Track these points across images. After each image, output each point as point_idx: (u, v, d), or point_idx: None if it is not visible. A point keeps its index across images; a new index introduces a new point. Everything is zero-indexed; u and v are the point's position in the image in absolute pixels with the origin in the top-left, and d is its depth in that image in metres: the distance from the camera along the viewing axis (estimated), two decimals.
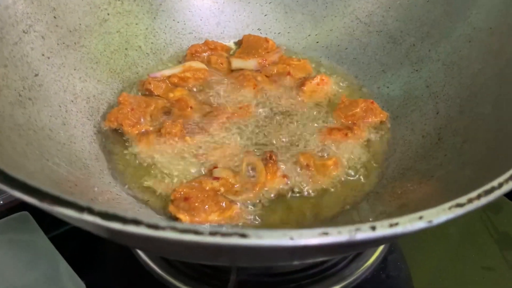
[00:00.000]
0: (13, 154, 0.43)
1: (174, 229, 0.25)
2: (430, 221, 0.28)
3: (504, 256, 0.60)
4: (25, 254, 0.55)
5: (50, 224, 0.58)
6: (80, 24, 0.63)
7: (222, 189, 0.50)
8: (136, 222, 0.26)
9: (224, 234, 0.25)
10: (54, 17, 0.60)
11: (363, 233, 0.27)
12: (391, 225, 0.27)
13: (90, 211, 0.26)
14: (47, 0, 0.59)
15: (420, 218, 0.28)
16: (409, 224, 0.28)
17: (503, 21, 0.54)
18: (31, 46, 0.56)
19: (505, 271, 0.58)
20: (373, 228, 0.27)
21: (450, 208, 0.29)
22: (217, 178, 0.51)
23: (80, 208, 0.26)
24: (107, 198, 0.48)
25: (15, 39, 0.54)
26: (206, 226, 0.26)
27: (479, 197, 0.30)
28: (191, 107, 0.61)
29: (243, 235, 0.25)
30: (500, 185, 0.31)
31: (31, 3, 0.57)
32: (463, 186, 0.42)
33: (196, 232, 0.25)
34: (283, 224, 0.49)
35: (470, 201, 0.29)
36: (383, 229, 0.27)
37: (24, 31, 0.55)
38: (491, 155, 0.43)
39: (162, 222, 0.26)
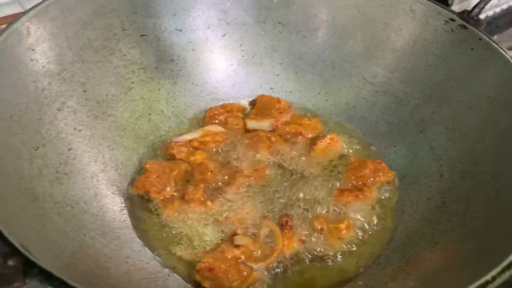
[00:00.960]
0: (56, 237, 0.48)
1: None
2: None
3: None
4: None
5: None
6: (107, 94, 0.68)
7: (242, 257, 0.55)
8: None
9: None
10: (84, 91, 0.65)
11: None
12: None
13: None
14: (77, 76, 0.64)
15: None
16: None
17: (500, 92, 0.58)
18: (65, 122, 0.61)
19: None
20: None
21: None
22: (238, 246, 0.55)
23: None
24: (138, 268, 0.53)
25: (51, 118, 0.59)
26: None
27: None
28: (211, 171, 0.66)
29: None
30: (494, 279, 0.35)
31: (64, 81, 0.62)
32: (464, 259, 0.46)
33: None
34: None
35: None
36: None
37: (58, 109, 0.61)
38: (489, 231, 0.47)
39: None
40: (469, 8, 0.63)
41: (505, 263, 0.36)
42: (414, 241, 0.56)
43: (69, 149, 0.60)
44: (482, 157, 0.57)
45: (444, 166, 0.61)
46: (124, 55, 0.71)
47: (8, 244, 0.34)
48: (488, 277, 0.35)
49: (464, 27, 0.64)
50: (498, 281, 0.35)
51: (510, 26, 1.14)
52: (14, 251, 0.34)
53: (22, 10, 0.76)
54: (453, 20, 0.65)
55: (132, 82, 0.72)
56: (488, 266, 0.37)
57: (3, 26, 0.73)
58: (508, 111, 0.56)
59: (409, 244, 0.56)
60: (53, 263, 0.37)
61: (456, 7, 0.94)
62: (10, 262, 0.33)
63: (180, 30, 0.76)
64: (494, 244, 0.43)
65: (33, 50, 0.58)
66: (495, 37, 0.62)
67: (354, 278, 0.55)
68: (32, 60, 0.58)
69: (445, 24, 0.66)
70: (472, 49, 0.63)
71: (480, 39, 0.62)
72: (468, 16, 0.64)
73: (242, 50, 0.80)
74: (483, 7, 0.62)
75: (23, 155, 0.52)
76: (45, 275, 0.33)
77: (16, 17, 0.57)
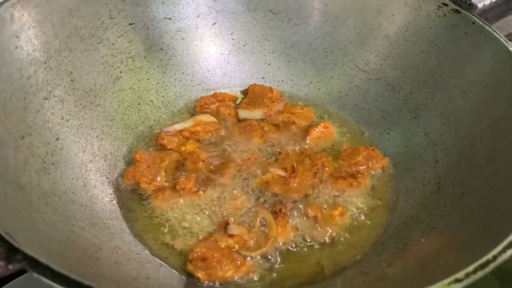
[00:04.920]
0: (43, 226, 0.46)
1: None
2: None
3: None
4: None
5: None
6: (95, 84, 0.67)
7: (236, 246, 0.53)
8: None
9: None
10: (71, 80, 0.63)
11: None
12: None
13: None
14: (64, 65, 0.63)
15: None
16: None
17: (495, 76, 0.57)
18: (52, 111, 0.59)
19: None
20: None
21: (449, 284, 0.32)
22: (231, 236, 0.54)
23: None
24: (129, 259, 0.52)
25: (37, 107, 0.58)
26: None
27: (475, 271, 0.33)
28: (203, 161, 0.64)
29: None
30: (495, 258, 0.34)
31: (51, 69, 0.61)
32: (464, 242, 0.45)
33: None
34: (296, 277, 0.52)
35: (467, 275, 0.33)
36: None
37: (44, 98, 0.59)
38: (488, 213, 0.46)
39: None
40: None
41: (505, 242, 0.35)
42: (410, 227, 0.55)
43: (57, 139, 0.59)
44: (477, 141, 0.56)
45: (439, 152, 0.61)
46: (112, 44, 0.69)
47: None
48: (489, 256, 0.34)
49: (457, 11, 0.63)
50: (499, 260, 0.34)
51: (500, 18, 1.14)
52: None
53: None
54: (445, 4, 0.64)
55: (121, 72, 0.70)
56: (488, 247, 0.36)
57: None
58: (503, 94, 0.55)
59: (405, 230, 0.55)
60: (39, 251, 0.36)
61: None
62: None
63: (169, 19, 0.74)
64: (494, 225, 0.42)
65: (17, 37, 0.56)
66: None
67: (350, 265, 0.54)
68: (16, 47, 0.56)
69: (438, 9, 0.65)
70: (465, 33, 0.62)
71: (473, 23, 0.61)
72: (461, 1, 0.63)
73: (233, 39, 0.78)
74: None
75: (8, 144, 0.51)
76: (30, 261, 0.32)
77: None
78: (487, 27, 0.59)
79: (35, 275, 0.32)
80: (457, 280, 0.32)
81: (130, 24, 0.71)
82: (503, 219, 0.42)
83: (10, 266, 0.31)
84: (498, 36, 0.58)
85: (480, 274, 0.33)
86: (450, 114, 0.62)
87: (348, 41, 0.75)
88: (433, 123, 0.64)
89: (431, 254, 0.47)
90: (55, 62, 0.61)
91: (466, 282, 0.32)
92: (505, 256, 0.34)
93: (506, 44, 0.57)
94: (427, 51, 0.67)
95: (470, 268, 0.33)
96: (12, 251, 0.32)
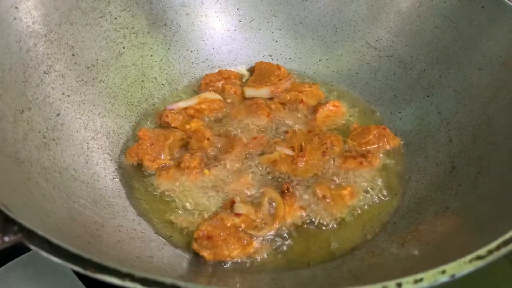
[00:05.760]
0: (43, 202, 0.44)
1: None
2: (453, 275, 0.29)
3: None
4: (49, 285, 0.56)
5: None
6: (97, 59, 0.65)
7: (243, 225, 0.52)
8: (175, 287, 0.27)
9: None
10: (73, 55, 0.61)
11: None
12: (416, 281, 0.29)
13: (131, 277, 0.27)
14: (65, 38, 0.61)
15: (443, 272, 0.29)
16: (433, 279, 0.29)
17: None
18: (52, 86, 0.58)
19: None
20: (399, 285, 0.28)
21: (471, 261, 0.30)
22: (238, 214, 0.52)
23: (122, 275, 0.28)
24: (132, 237, 0.50)
25: (37, 81, 0.56)
26: None
27: (498, 248, 0.31)
28: (208, 139, 0.62)
29: None
30: None
31: (51, 43, 0.59)
32: (480, 222, 0.43)
33: None
34: (304, 257, 0.51)
35: (490, 252, 0.31)
36: (408, 286, 0.28)
37: (45, 72, 0.57)
38: (506, 191, 0.44)
39: (199, 287, 0.27)
40: None
41: None
42: (423, 207, 0.53)
43: (57, 115, 0.57)
44: (494, 118, 0.54)
45: (453, 130, 0.58)
46: (115, 18, 0.67)
47: None
48: None
49: None
50: None
51: None
52: None
53: None
54: None
55: (123, 47, 0.68)
56: (508, 225, 0.34)
57: None
58: None
59: (417, 210, 0.53)
60: (38, 226, 0.34)
61: None
62: None
63: None
64: None
65: (16, 8, 0.54)
66: None
67: (360, 246, 0.52)
68: (15, 18, 0.54)
69: None
70: (482, 7, 0.59)
71: None
72: None
73: (239, 15, 0.76)
74: None
75: (7, 117, 0.49)
76: (27, 233, 0.30)
77: None
78: (506, 0, 0.57)
79: (32, 247, 0.30)
80: (479, 257, 0.30)
81: None
82: None
83: (6, 238, 0.29)
84: None
85: (503, 250, 0.31)
86: (465, 92, 0.60)
87: (358, 17, 0.72)
88: (447, 101, 0.61)
89: (445, 234, 0.46)
90: (56, 35, 0.59)
91: (488, 259, 0.30)
92: None
93: None
94: (441, 26, 0.64)
95: (493, 245, 0.31)
96: (8, 223, 0.30)
